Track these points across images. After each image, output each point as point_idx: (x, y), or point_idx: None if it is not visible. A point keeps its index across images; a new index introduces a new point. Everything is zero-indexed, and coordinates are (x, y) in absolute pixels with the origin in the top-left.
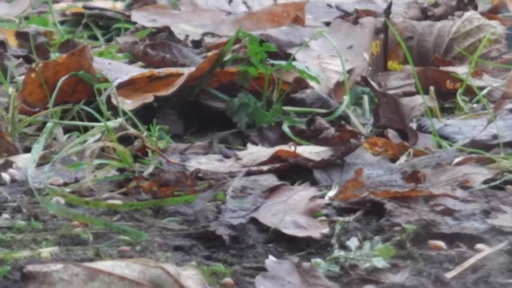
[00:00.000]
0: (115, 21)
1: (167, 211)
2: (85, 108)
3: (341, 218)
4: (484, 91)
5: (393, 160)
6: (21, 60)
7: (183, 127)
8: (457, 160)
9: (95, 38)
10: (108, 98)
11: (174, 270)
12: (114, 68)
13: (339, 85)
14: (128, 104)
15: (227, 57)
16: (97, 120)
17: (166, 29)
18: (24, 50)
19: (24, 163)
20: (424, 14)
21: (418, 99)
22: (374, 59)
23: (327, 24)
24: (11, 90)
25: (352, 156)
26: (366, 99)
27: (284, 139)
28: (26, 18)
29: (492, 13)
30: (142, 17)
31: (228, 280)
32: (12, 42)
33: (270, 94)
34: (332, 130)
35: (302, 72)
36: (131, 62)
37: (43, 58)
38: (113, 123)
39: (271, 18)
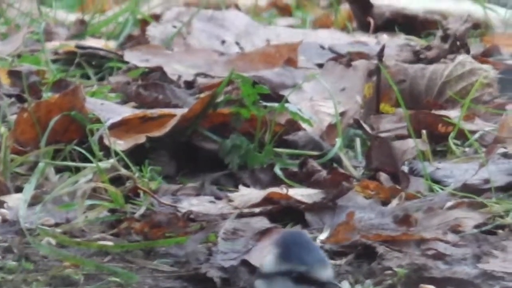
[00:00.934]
0: (107, 60)
1: (159, 252)
2: (77, 149)
3: (332, 261)
4: (476, 135)
5: (385, 203)
6: (13, 99)
7: (175, 168)
8: (448, 204)
9: (87, 77)
10: (101, 139)
11: None
12: (107, 109)
13: (332, 127)
14: (120, 144)
15: (220, 98)
16: (89, 161)
17: (159, 69)
18: (17, 88)
19: (16, 203)
20: (417, 57)
21: (410, 142)
22: (367, 102)
23: (320, 65)
24: (3, 129)
25: (344, 199)
26: (358, 141)
27: (276, 181)
28: (19, 56)
29: (484, 56)
30: (134, 57)
31: None
32: (5, 80)
33: (263, 135)
34: (324, 173)
35: (295, 114)
36: (124, 102)
37: (35, 97)
38: (105, 164)
39: (264, 59)
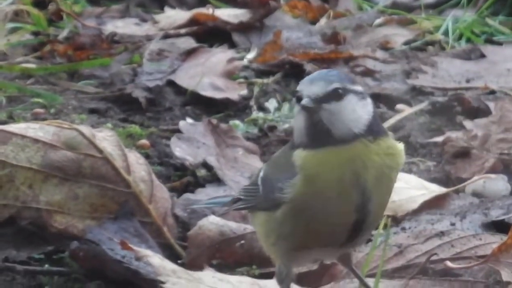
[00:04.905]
0: None
1: (83, 74)
2: None
3: (259, 80)
4: None
5: (313, 22)
6: None
7: None
8: (378, 21)
9: None
10: None
11: (89, 132)
12: None
13: None
14: None
15: None
16: None
17: None
18: None
19: None
20: None
21: None
22: None
23: None
24: None
25: (271, 18)
26: None
27: (202, 2)
28: None
29: None
30: None
31: (144, 141)
32: None
33: None
34: None
35: None
36: None
37: None
38: None
39: None
